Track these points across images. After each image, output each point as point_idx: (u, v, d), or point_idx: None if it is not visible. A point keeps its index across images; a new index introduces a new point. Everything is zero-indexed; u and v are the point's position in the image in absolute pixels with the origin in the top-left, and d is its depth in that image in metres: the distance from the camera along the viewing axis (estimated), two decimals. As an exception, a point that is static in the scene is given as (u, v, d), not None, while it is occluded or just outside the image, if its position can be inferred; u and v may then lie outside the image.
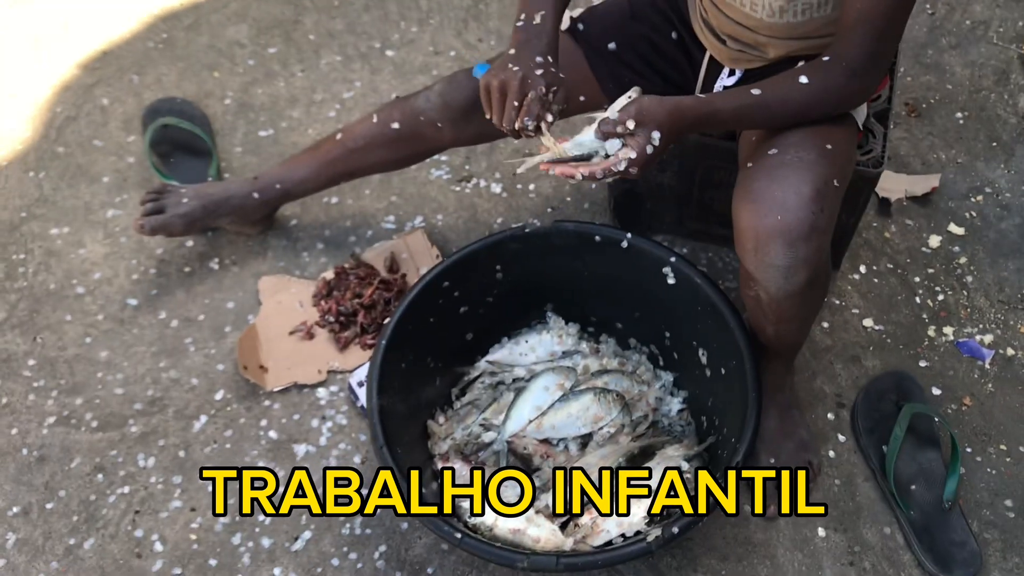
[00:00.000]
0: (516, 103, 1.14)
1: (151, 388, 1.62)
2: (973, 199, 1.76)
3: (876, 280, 1.68)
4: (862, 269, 1.69)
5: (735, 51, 1.38)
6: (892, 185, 1.76)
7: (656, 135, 1.08)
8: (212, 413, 1.58)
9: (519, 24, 1.22)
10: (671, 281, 1.44)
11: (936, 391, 1.55)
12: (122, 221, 1.82)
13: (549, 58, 1.19)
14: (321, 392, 1.60)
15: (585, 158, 1.13)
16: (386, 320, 1.45)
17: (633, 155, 1.08)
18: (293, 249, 1.77)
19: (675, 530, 1.20)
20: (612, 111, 1.11)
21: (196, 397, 1.60)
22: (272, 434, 1.56)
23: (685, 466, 1.36)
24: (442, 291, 1.46)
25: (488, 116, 1.19)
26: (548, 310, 1.60)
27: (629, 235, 1.44)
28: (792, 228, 1.12)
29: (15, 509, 1.49)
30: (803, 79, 1.17)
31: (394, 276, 1.70)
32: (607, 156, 1.12)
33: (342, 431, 1.56)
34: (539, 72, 1.16)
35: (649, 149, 1.08)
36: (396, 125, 1.53)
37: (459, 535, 1.22)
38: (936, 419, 1.47)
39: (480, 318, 1.55)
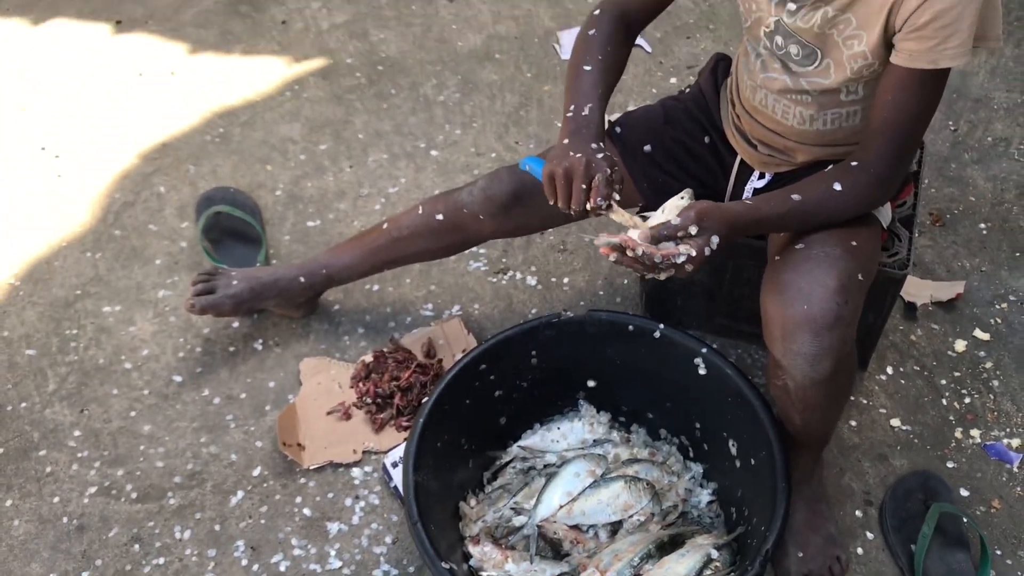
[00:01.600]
0: (584, 185, 1.21)
1: (191, 462, 1.66)
2: (998, 306, 1.80)
3: (903, 381, 1.71)
4: (889, 370, 1.72)
5: (765, 155, 1.47)
6: (918, 290, 1.81)
7: (715, 239, 1.15)
8: (249, 489, 1.62)
9: (569, 115, 1.31)
10: (702, 372, 1.48)
11: (964, 492, 1.56)
12: (172, 301, 1.89)
13: (602, 144, 1.27)
14: (356, 472, 1.64)
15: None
16: (424, 400, 1.50)
17: (693, 253, 1.14)
18: (335, 333, 1.83)
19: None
20: (668, 214, 1.18)
21: (234, 472, 1.64)
22: (306, 511, 1.59)
23: (715, 554, 1.38)
24: (479, 374, 1.51)
25: (552, 202, 1.26)
26: (580, 398, 1.64)
27: (662, 326, 1.50)
28: (817, 318, 1.17)
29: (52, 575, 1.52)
30: (837, 186, 1.24)
31: (431, 361, 1.76)
32: None
33: (375, 511, 1.59)
34: (600, 156, 1.23)
35: (707, 251, 1.15)
36: (440, 217, 1.61)
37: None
38: (965, 520, 1.48)
39: (514, 403, 1.59)
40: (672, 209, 1.18)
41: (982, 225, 1.93)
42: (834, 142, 1.39)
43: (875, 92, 1.25)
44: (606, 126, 1.56)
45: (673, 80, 2.25)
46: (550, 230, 1.95)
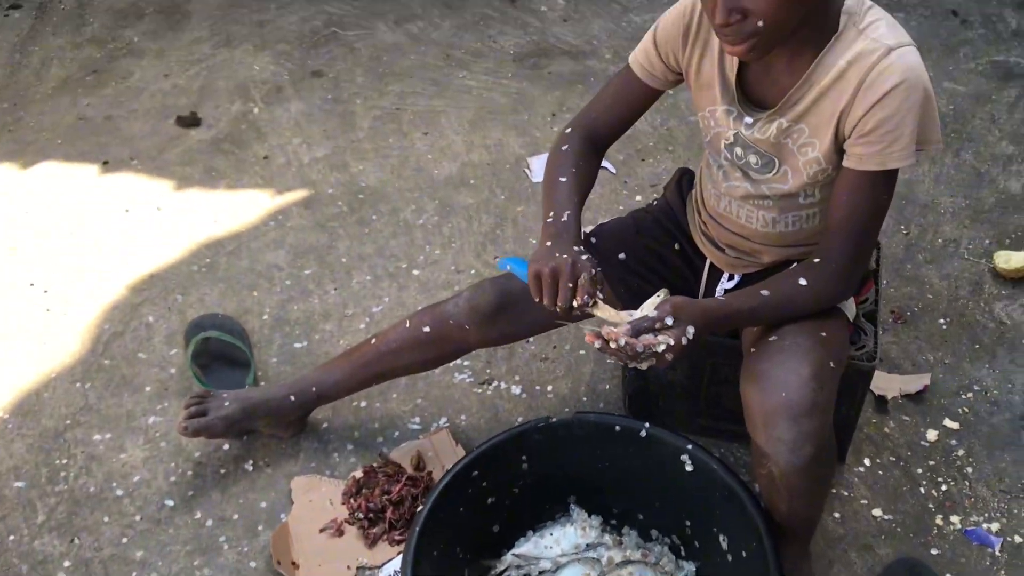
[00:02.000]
0: (570, 284, 1.29)
1: (184, 586, 1.66)
2: (963, 396, 1.88)
3: (881, 472, 1.76)
4: (867, 462, 1.77)
5: (733, 258, 1.56)
6: (887, 384, 1.88)
7: (691, 330, 1.23)
8: (244, 610, 1.61)
9: (549, 221, 1.39)
10: (689, 469, 1.52)
11: (950, 577, 1.60)
12: (162, 427, 1.92)
13: (582, 247, 1.35)
14: (351, 588, 1.64)
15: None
16: (418, 509, 1.52)
17: (671, 342, 1.21)
18: (324, 451, 1.86)
19: None
20: (646, 310, 1.25)
21: (228, 595, 1.64)
22: (302, 630, 1.58)
23: (712, 647, 1.39)
24: (471, 480, 1.54)
25: (538, 300, 1.33)
26: (571, 502, 1.67)
27: (647, 425, 1.55)
28: (795, 404, 1.24)
29: None
30: (802, 281, 1.33)
31: (421, 474, 1.78)
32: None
33: (371, 628, 1.59)
34: (584, 257, 1.31)
35: (684, 340, 1.22)
36: (427, 329, 1.67)
37: None
38: (953, 604, 1.51)
39: (507, 510, 1.61)
40: (650, 306, 1.26)
41: (941, 320, 2.03)
42: (796, 243, 1.49)
43: (831, 194, 1.36)
44: (582, 237, 1.67)
45: (638, 198, 2.37)
46: (532, 340, 2.02)
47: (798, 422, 1.24)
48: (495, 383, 1.96)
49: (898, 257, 2.17)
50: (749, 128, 1.39)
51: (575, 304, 1.29)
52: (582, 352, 2.01)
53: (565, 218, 1.40)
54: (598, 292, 1.30)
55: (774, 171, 1.41)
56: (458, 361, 1.98)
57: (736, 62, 1.37)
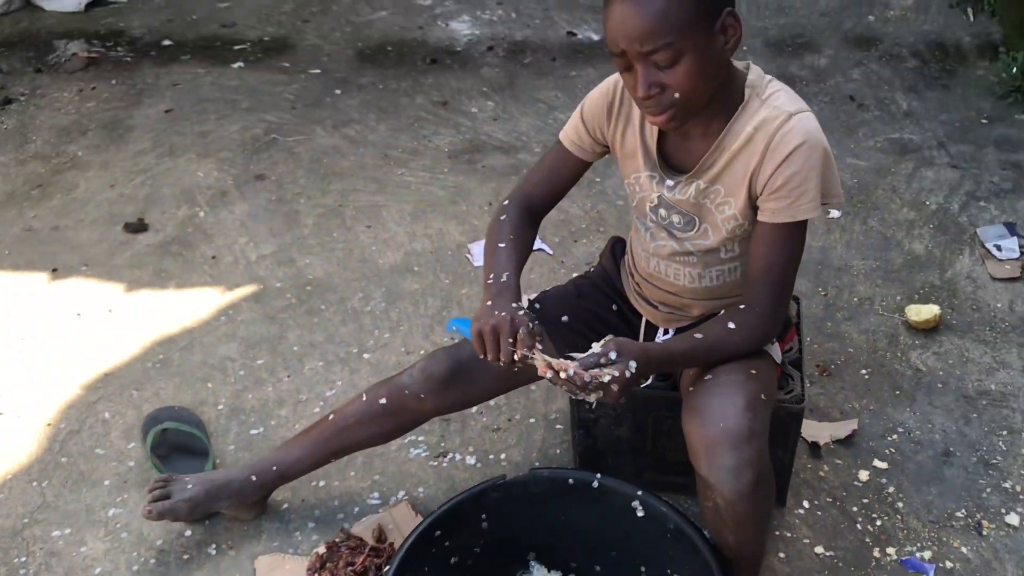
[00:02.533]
0: (511, 339, 1.39)
1: (151, 673, 1.66)
2: (889, 438, 2.01)
3: (819, 512, 1.87)
4: (806, 504, 1.88)
5: (666, 313, 1.69)
6: (817, 432, 2.01)
7: (633, 364, 1.34)
8: None
9: (489, 282, 1.51)
10: (640, 514, 1.61)
11: (891, 605, 1.69)
12: (123, 518, 1.93)
13: (521, 304, 1.46)
14: (320, 661, 1.66)
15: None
16: (385, 570, 1.57)
17: (616, 374, 1.32)
18: (286, 530, 1.89)
19: None
20: (595, 349, 1.36)
21: (196, 677, 1.65)
22: None
23: None
24: (434, 541, 1.60)
25: (482, 356, 1.43)
26: (531, 559, 1.73)
27: (599, 475, 1.63)
28: (734, 432, 1.35)
29: None
30: (731, 324, 1.46)
31: (383, 545, 1.83)
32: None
33: None
34: (521, 313, 1.42)
35: (627, 373, 1.33)
36: (383, 401, 1.75)
37: None
38: (896, 627, 1.60)
39: (469, 570, 1.67)
40: (596, 347, 1.37)
41: (863, 371, 2.18)
42: (722, 295, 1.62)
43: (749, 248, 1.50)
44: (525, 303, 1.78)
45: (575, 274, 2.50)
46: (483, 412, 2.10)
47: (738, 448, 1.35)
48: (450, 455, 2.03)
49: (819, 316, 2.33)
50: (671, 190, 1.53)
51: (516, 357, 1.39)
52: (532, 420, 2.10)
53: (504, 279, 1.51)
54: (537, 343, 1.41)
55: (695, 229, 1.55)
56: (413, 436, 2.05)
57: (656, 132, 1.53)
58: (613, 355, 1.34)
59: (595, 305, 1.77)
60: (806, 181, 1.41)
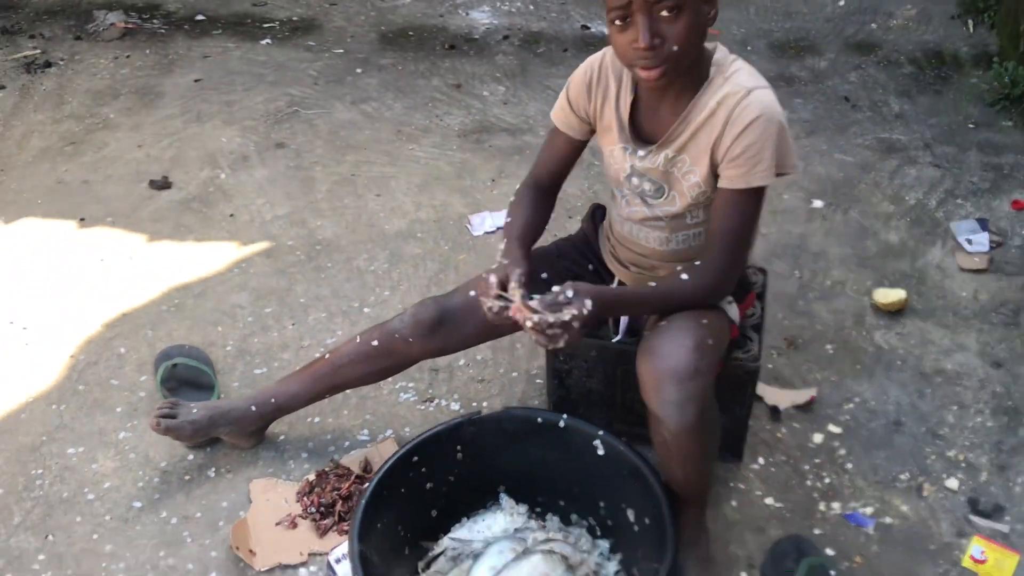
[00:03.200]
0: (493, 279, 1.58)
1: (150, 573, 1.83)
2: (846, 407, 2.15)
3: (773, 469, 2.01)
4: (761, 460, 2.02)
5: (636, 274, 1.84)
6: (779, 398, 2.15)
7: (588, 302, 1.49)
8: (205, 592, 1.79)
9: (501, 247, 1.70)
10: (601, 452, 1.76)
11: (830, 552, 1.83)
12: (132, 441, 2.11)
13: (518, 261, 1.63)
14: (302, 571, 1.83)
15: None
16: (364, 486, 1.74)
17: (575, 312, 1.48)
18: (281, 459, 2.06)
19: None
20: (555, 290, 1.52)
21: (191, 579, 1.82)
22: (258, 607, 1.76)
23: (617, 598, 1.61)
24: (411, 465, 1.76)
25: (473, 293, 1.58)
26: (501, 491, 1.89)
27: (565, 416, 1.79)
28: (680, 369, 1.50)
29: None
30: (684, 276, 1.62)
31: (368, 475, 1.99)
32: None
33: (320, 603, 1.77)
34: (518, 270, 1.59)
35: (584, 311, 1.48)
36: (375, 343, 1.91)
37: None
38: (830, 570, 1.74)
39: (443, 496, 1.83)
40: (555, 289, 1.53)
41: (828, 346, 2.32)
42: (687, 257, 1.77)
43: (710, 212, 1.66)
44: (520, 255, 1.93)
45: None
46: (470, 364, 2.26)
47: (683, 384, 1.50)
48: (436, 400, 2.19)
49: (792, 295, 2.47)
50: (641, 160, 1.69)
51: (493, 289, 1.55)
52: (515, 374, 2.26)
53: (512, 244, 1.70)
54: (516, 285, 1.56)
55: (665, 196, 1.71)
56: (403, 382, 2.21)
57: (628, 107, 1.68)
58: (570, 293, 1.49)
59: (573, 264, 1.92)
60: (761, 151, 1.56)
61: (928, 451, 2.04)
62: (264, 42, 3.90)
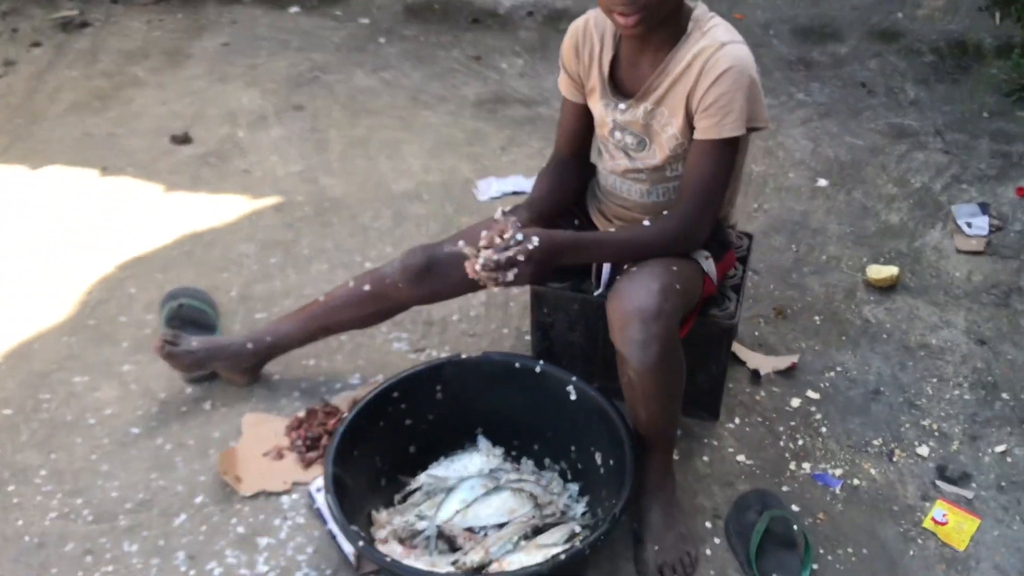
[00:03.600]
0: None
1: (142, 492, 1.92)
2: (827, 374, 2.19)
3: (748, 429, 2.06)
4: (737, 420, 2.07)
5: (619, 227, 1.90)
6: (761, 362, 2.19)
7: (536, 239, 1.55)
8: (191, 512, 1.88)
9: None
10: (573, 398, 1.82)
11: (795, 507, 1.87)
12: (134, 374, 2.20)
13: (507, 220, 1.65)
14: (285, 499, 1.91)
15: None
16: (343, 415, 1.81)
17: (519, 248, 1.54)
18: (274, 397, 2.14)
19: (562, 557, 1.50)
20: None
21: (179, 500, 1.90)
22: (240, 529, 1.85)
23: (578, 529, 1.68)
24: (392, 400, 1.84)
25: (462, 243, 1.64)
26: (479, 433, 1.96)
27: (541, 362, 1.86)
28: (644, 310, 1.55)
29: (10, 584, 1.74)
30: (646, 223, 1.68)
31: (355, 414, 2.07)
32: None
33: (299, 528, 1.85)
34: (511, 221, 1.63)
35: (529, 246, 1.55)
36: (367, 287, 1.99)
37: (388, 559, 1.51)
38: (792, 523, 1.79)
39: (422, 435, 1.90)
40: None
41: (816, 318, 2.35)
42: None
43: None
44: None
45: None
46: (462, 319, 2.33)
47: (647, 324, 1.56)
48: (427, 351, 2.26)
49: (786, 268, 2.51)
50: (623, 113, 1.74)
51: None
52: (505, 331, 2.32)
53: (513, 209, 1.77)
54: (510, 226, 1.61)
55: (645, 149, 1.76)
56: (396, 332, 2.29)
57: (608, 63, 1.74)
58: (519, 236, 1.55)
59: (559, 220, 1.98)
60: (732, 102, 1.61)
61: (903, 419, 2.08)
62: (292, 10, 4.00)
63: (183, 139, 3.07)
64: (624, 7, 1.56)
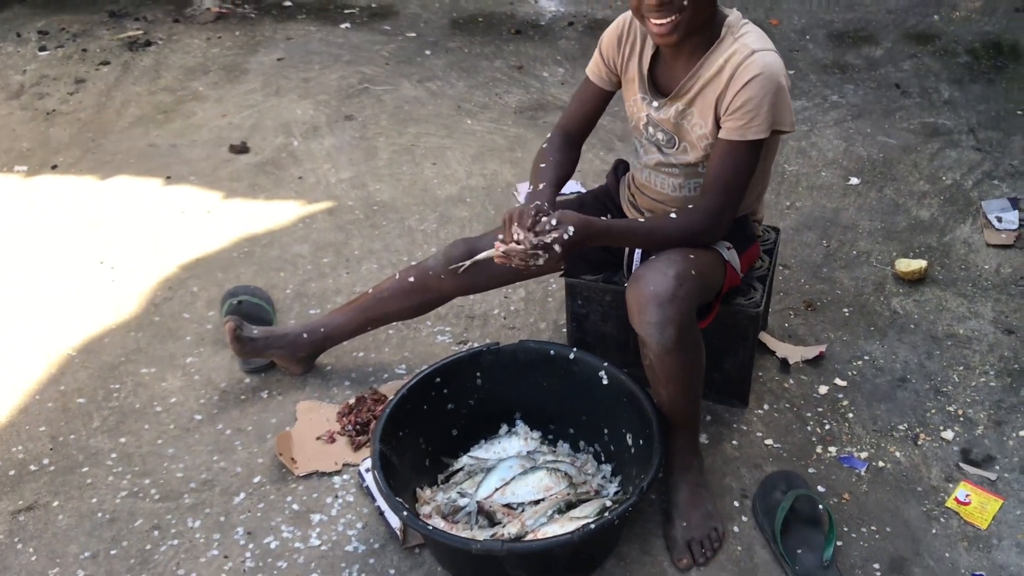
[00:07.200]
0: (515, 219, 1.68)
1: (204, 473, 2.07)
2: (854, 363, 2.26)
3: (776, 415, 2.14)
4: (765, 407, 2.15)
5: (648, 217, 2.00)
6: (790, 352, 2.27)
7: (571, 228, 1.66)
8: (250, 491, 2.02)
9: (529, 191, 1.86)
10: (605, 382, 1.93)
11: (821, 488, 1.95)
12: (197, 365, 2.36)
13: (545, 204, 1.74)
14: (336, 479, 2.04)
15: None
16: (389, 399, 1.94)
17: (556, 235, 1.64)
18: (326, 386, 2.28)
19: (592, 526, 1.61)
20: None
21: (239, 480, 2.05)
22: (295, 507, 1.98)
23: (609, 503, 1.78)
24: (434, 385, 1.96)
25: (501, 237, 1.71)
26: (517, 418, 2.07)
27: (575, 349, 1.96)
28: (660, 294, 1.66)
29: (86, 553, 1.89)
30: (673, 215, 1.78)
31: (401, 401, 2.20)
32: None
33: (350, 506, 1.98)
34: (542, 205, 1.71)
35: (565, 236, 1.65)
36: (412, 279, 2.11)
37: (431, 527, 1.63)
38: (817, 502, 1.86)
39: (464, 418, 2.02)
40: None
41: (845, 310, 2.42)
42: (699, 204, 1.92)
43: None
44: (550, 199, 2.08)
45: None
46: (503, 314, 2.45)
47: (663, 307, 1.66)
48: (469, 343, 2.39)
49: (817, 263, 2.58)
50: (656, 110, 1.85)
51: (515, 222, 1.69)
52: (543, 324, 2.44)
53: (541, 188, 1.85)
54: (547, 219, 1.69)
55: (676, 146, 1.87)
56: (440, 326, 2.42)
57: (648, 60, 1.85)
58: (555, 221, 1.65)
59: (593, 213, 2.07)
60: (758, 107, 1.70)
61: (929, 405, 2.14)
62: (343, 26, 4.17)
63: (241, 149, 3.24)
64: (657, 13, 1.66)
